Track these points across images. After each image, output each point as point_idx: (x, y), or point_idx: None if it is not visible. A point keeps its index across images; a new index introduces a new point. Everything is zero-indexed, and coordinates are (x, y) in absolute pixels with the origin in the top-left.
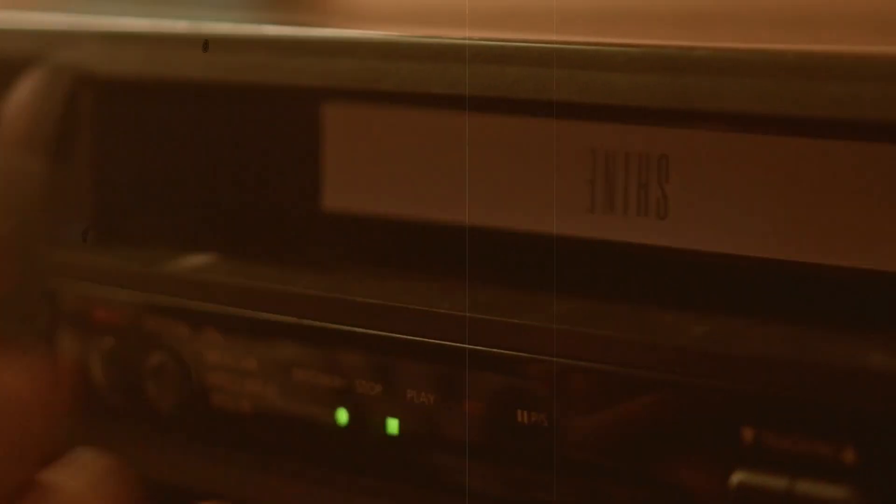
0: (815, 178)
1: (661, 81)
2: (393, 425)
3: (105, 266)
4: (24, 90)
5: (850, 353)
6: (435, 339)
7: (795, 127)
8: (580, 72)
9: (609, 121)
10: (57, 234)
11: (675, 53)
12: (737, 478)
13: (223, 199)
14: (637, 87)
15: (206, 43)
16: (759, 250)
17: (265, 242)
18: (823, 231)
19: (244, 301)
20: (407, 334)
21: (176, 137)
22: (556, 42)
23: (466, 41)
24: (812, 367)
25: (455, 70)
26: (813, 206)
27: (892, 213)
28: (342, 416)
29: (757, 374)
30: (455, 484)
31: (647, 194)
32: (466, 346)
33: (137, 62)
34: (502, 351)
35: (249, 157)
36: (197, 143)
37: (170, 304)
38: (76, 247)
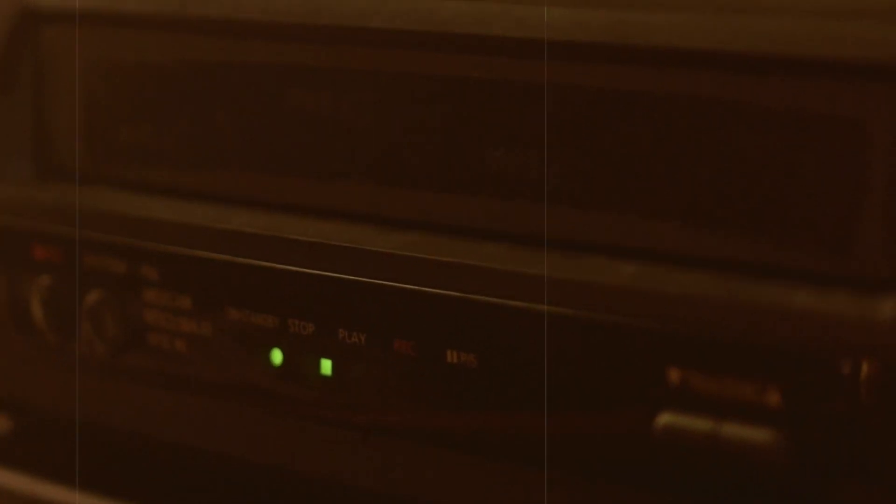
0: (749, 114)
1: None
2: (326, 366)
3: (43, 202)
4: None
5: (775, 292)
6: (365, 277)
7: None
8: (517, 7)
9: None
10: None
11: None
12: (662, 420)
13: (162, 136)
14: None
15: None
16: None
17: (202, 180)
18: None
19: (180, 238)
20: (338, 273)
21: (118, 71)
22: None
23: None
24: (737, 306)
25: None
26: (740, 141)
27: (820, 151)
28: (277, 356)
29: (684, 314)
30: (386, 425)
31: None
32: (396, 284)
33: None
34: (431, 290)
35: (190, 93)
36: (138, 78)
37: (107, 242)
38: (15, 182)
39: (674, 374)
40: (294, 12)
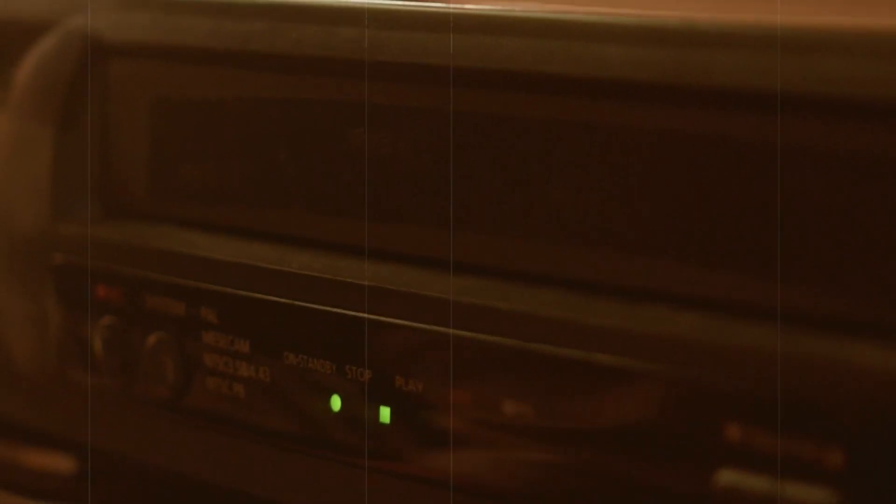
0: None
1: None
2: (385, 413)
3: (106, 241)
4: (37, 56)
5: (837, 346)
6: (421, 322)
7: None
8: (576, 43)
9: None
10: (63, 206)
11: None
12: (722, 477)
13: (228, 174)
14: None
15: None
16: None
17: (267, 220)
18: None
19: (239, 280)
20: (395, 318)
21: (185, 107)
22: (552, 11)
23: (451, 8)
24: (800, 362)
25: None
26: (803, 187)
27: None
28: (335, 402)
29: (745, 368)
30: (444, 474)
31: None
32: (451, 330)
33: (147, 29)
34: (487, 336)
35: (252, 130)
36: (204, 114)
37: (167, 283)
38: (81, 220)
39: (733, 430)
40: (357, 49)
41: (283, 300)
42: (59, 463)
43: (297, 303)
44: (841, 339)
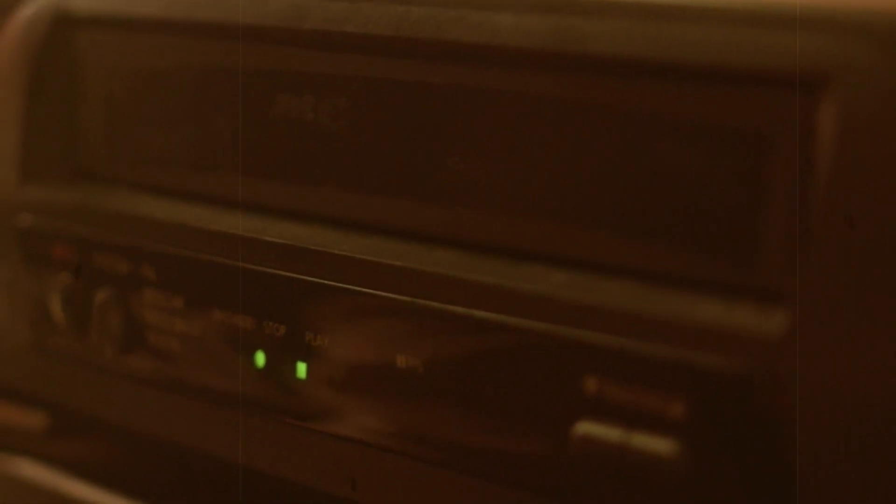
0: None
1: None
2: (301, 369)
3: (67, 204)
4: (8, 29)
5: (682, 304)
6: (329, 279)
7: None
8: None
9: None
10: (27, 171)
11: None
12: (579, 428)
13: (167, 139)
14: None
15: None
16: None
17: (199, 182)
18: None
19: (175, 239)
20: (309, 276)
21: (138, 76)
22: None
23: None
24: (649, 317)
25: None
26: (647, 150)
27: (725, 161)
28: (260, 358)
29: (604, 324)
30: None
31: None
32: (350, 286)
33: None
34: (381, 293)
35: (198, 97)
36: (151, 82)
37: (113, 241)
38: (42, 183)
39: (591, 384)
40: (286, 17)
41: (213, 258)
42: (30, 419)
43: (224, 261)
44: (685, 294)
